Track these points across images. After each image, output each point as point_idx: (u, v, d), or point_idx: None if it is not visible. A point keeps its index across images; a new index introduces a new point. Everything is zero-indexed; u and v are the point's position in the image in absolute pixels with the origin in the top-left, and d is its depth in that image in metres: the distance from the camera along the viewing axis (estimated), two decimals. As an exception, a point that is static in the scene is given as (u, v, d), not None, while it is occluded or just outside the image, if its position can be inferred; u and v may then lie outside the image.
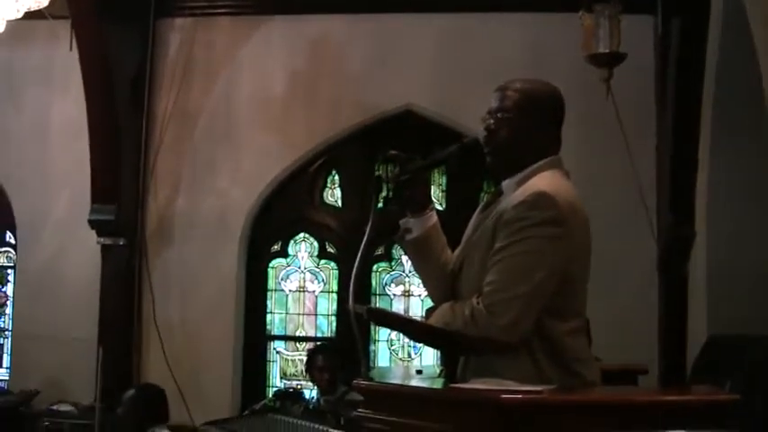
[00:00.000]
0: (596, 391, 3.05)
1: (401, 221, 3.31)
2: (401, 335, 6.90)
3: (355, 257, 3.22)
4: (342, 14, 8.02)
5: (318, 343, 7.91)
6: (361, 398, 3.12)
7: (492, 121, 3.22)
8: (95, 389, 7.17)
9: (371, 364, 7.77)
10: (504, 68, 6.60)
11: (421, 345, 7.33)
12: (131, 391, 6.79)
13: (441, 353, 3.47)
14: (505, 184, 3.23)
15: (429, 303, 3.41)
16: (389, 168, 3.33)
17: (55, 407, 7.45)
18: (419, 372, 3.52)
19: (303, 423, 5.70)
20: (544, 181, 3.11)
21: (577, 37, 6.39)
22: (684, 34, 6.58)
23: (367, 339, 7.96)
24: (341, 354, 7.13)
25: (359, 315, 3.08)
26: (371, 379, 3.17)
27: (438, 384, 3.23)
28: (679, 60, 6.65)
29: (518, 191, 3.12)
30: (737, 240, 6.31)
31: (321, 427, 5.57)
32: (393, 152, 3.29)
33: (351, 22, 8.01)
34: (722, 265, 6.43)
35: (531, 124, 3.20)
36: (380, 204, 3.26)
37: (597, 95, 6.41)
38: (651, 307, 7.27)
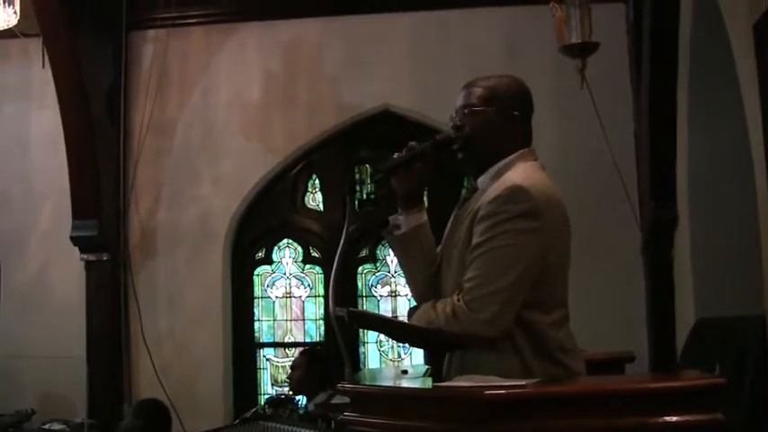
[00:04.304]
0: (581, 382, 3.04)
1: (391, 217, 3.32)
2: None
3: (338, 261, 3.23)
4: (315, 18, 8.02)
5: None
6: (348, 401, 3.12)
7: (458, 118, 3.25)
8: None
9: (361, 366, 7.78)
10: (480, 64, 6.62)
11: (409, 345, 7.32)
12: (134, 407, 6.77)
13: (426, 352, 3.45)
14: (480, 179, 3.24)
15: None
16: (364, 169, 3.35)
17: (47, 425, 7.40)
18: (405, 372, 3.50)
19: (294, 429, 5.66)
20: (518, 174, 3.12)
21: (552, 29, 6.39)
22: (656, 20, 6.57)
23: (356, 341, 7.97)
24: (320, 355, 7.07)
25: (340, 318, 3.07)
26: (357, 381, 3.16)
27: (424, 383, 3.22)
28: (652, 46, 6.64)
29: (493, 185, 3.13)
30: (721, 222, 6.30)
31: (311, 432, 5.55)
32: (365, 153, 3.32)
33: (325, 24, 8.01)
34: (707, 247, 6.42)
35: (497, 117, 3.22)
36: (356, 206, 3.26)
37: (575, 86, 6.41)
38: (638, 294, 7.28)
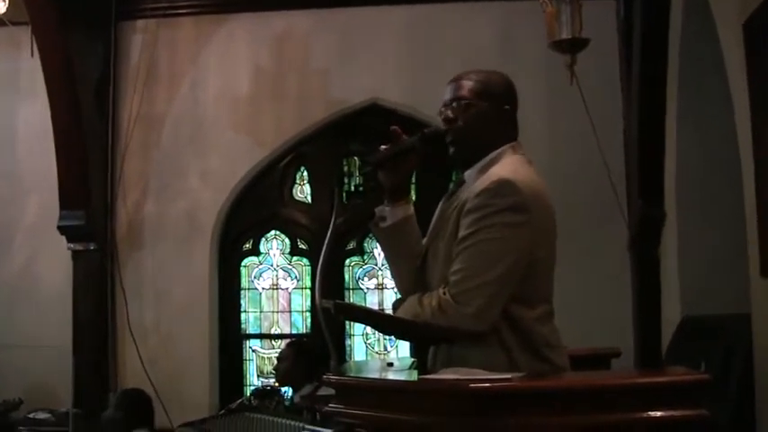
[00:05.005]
0: (566, 376, 3.04)
1: (377, 209, 3.31)
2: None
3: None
4: (306, 9, 8.00)
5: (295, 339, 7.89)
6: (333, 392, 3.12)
7: (449, 111, 3.23)
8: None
9: (347, 358, 7.78)
10: (470, 58, 6.60)
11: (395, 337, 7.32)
12: (117, 396, 6.76)
13: (412, 344, 3.45)
14: (467, 172, 3.24)
15: (403, 296, 3.39)
16: (353, 162, 3.34)
17: (32, 415, 7.39)
18: (390, 364, 3.50)
19: (279, 420, 5.66)
20: (506, 168, 3.11)
21: (543, 25, 6.39)
22: (647, 16, 6.58)
23: (343, 333, 7.96)
24: (306, 347, 7.05)
25: (327, 310, 3.07)
26: (342, 373, 3.16)
27: (409, 376, 3.21)
28: (642, 43, 6.65)
29: (480, 179, 3.12)
30: (708, 220, 6.31)
31: (296, 424, 5.54)
32: (355, 146, 3.31)
33: (315, 16, 7.99)
34: (694, 245, 6.44)
35: (488, 110, 3.21)
36: (344, 199, 3.25)
37: (565, 82, 6.42)
38: (624, 290, 7.29)
